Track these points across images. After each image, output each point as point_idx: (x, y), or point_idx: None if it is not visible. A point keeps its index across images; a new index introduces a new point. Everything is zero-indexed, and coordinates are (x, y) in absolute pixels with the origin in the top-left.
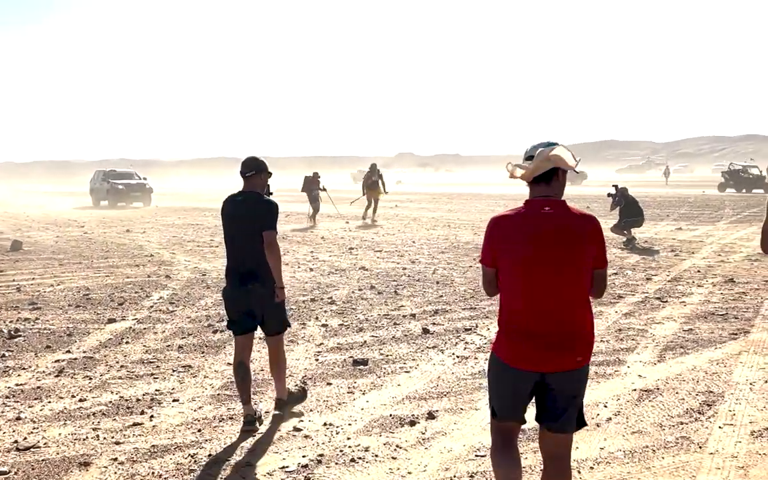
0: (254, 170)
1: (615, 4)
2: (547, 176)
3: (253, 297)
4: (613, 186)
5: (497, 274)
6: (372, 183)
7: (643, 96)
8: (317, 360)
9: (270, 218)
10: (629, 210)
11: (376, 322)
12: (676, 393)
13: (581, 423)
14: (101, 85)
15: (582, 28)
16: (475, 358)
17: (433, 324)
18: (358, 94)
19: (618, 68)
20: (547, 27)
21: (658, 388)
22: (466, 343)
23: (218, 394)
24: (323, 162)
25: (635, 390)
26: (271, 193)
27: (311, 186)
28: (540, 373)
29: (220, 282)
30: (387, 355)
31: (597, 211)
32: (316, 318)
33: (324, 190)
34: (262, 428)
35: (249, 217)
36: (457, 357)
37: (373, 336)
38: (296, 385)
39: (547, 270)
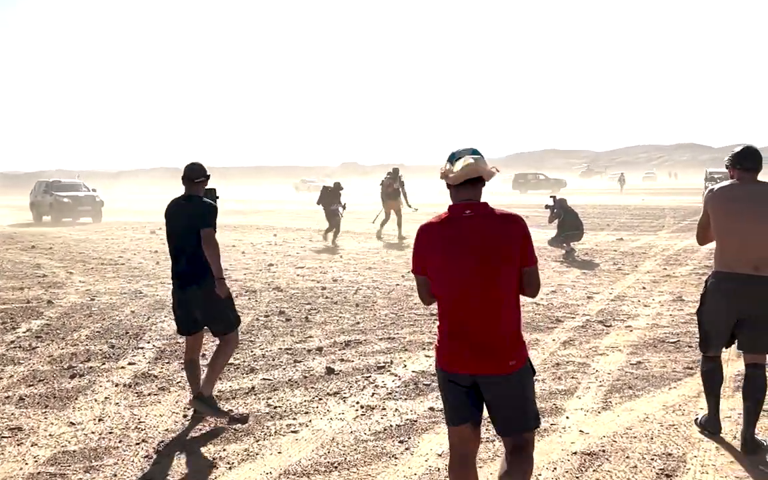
0: (203, 177)
1: (553, 16)
2: (474, 181)
3: (193, 300)
4: (550, 197)
5: (428, 281)
6: (392, 192)
7: (582, 105)
8: (186, 416)
9: (207, 217)
10: (568, 222)
11: (273, 360)
12: (627, 457)
13: (536, 422)
14: (33, 92)
15: (521, 39)
16: (383, 410)
17: (341, 360)
18: (302, 103)
19: (556, 78)
20: (486, 38)
21: (603, 450)
22: (376, 386)
23: (38, 473)
24: (266, 172)
25: (576, 453)
26: (218, 198)
27: (331, 199)
28: (472, 377)
29: (109, 308)
30: (275, 407)
31: (537, 222)
32: (203, 355)
33: (344, 207)
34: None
35: (188, 218)
36: (362, 408)
37: (265, 379)
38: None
39: (471, 273)
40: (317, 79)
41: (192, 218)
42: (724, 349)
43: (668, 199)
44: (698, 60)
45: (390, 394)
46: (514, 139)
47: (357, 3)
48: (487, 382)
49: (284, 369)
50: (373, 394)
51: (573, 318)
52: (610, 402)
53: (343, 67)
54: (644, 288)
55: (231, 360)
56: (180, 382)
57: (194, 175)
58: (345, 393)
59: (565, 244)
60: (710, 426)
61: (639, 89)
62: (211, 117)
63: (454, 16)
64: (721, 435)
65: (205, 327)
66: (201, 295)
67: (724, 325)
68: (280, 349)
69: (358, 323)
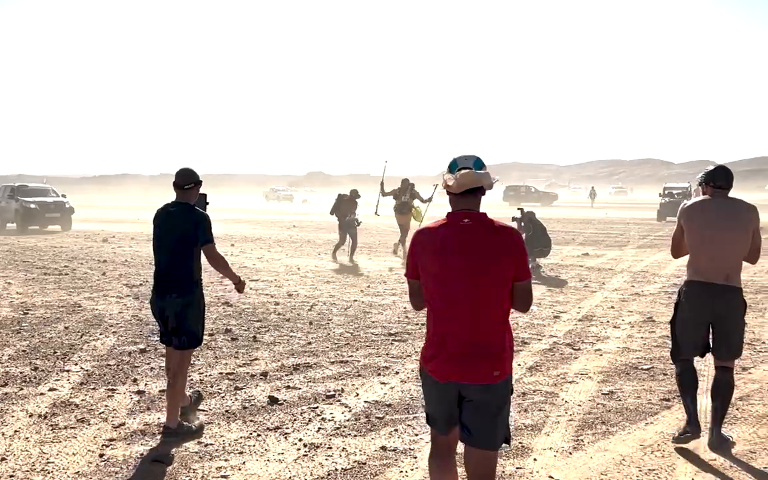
0: (193, 183)
1: (518, 33)
2: (474, 190)
3: (169, 309)
4: (518, 209)
5: (421, 286)
6: (401, 205)
7: (546, 120)
8: (102, 456)
9: (206, 232)
10: (538, 238)
11: (211, 386)
12: None
13: (506, 440)
14: None
15: (486, 55)
16: (328, 449)
17: (287, 388)
18: (268, 111)
19: (521, 91)
20: (451, 53)
21: None
22: (323, 420)
23: None
24: (232, 180)
25: None
26: (208, 203)
27: (347, 209)
28: (458, 385)
29: (41, 324)
30: (206, 445)
31: None
32: (134, 379)
33: (358, 222)
34: None
35: (181, 229)
36: (305, 446)
37: (199, 410)
38: (196, 421)
39: (463, 281)
40: (282, 87)
41: (186, 230)
42: (699, 358)
43: (632, 213)
44: (660, 79)
45: (338, 429)
46: (478, 152)
47: (323, 13)
48: (470, 390)
49: (222, 397)
50: (319, 429)
51: (539, 340)
52: (582, 440)
53: (308, 76)
54: (613, 307)
55: (162, 387)
56: (103, 412)
57: (183, 181)
58: (287, 427)
59: (530, 259)
60: (690, 428)
61: (602, 105)
62: (172, 124)
63: (420, 30)
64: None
65: None
66: (178, 306)
67: (696, 332)
68: (221, 373)
69: (309, 344)
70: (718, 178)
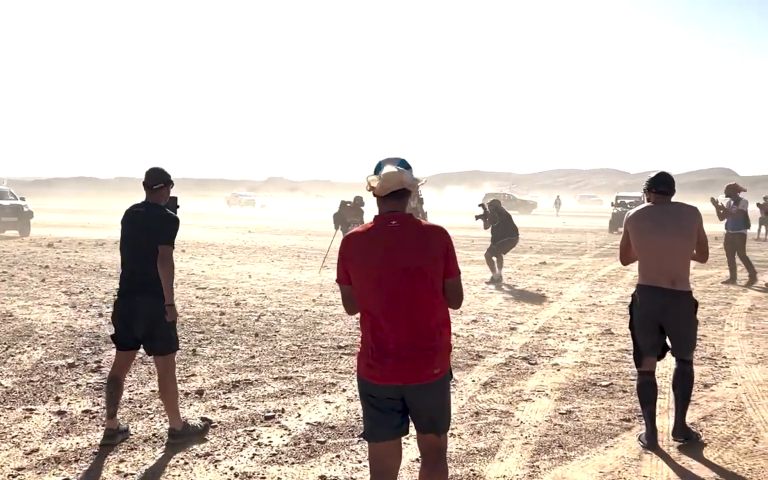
0: (162, 183)
1: (476, 41)
2: (399, 192)
3: (138, 313)
4: (479, 205)
5: (352, 291)
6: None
7: (504, 129)
8: None
9: (167, 232)
10: (504, 228)
11: (140, 406)
12: None
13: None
14: None
15: (446, 62)
16: (262, 478)
17: (223, 408)
18: (228, 116)
19: (479, 101)
20: (411, 58)
21: None
22: (259, 444)
23: None
24: (191, 184)
25: None
26: (178, 207)
27: (350, 217)
28: (399, 387)
29: None
30: (125, 476)
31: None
32: (57, 398)
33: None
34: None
35: (147, 229)
36: (236, 476)
37: (123, 433)
38: (197, 420)
39: (395, 283)
40: (241, 90)
41: (150, 230)
42: (658, 362)
43: (589, 222)
44: (617, 89)
45: (274, 455)
46: (439, 160)
47: (279, 17)
48: (411, 390)
49: (151, 419)
50: (253, 456)
51: (495, 353)
52: (538, 466)
53: (267, 80)
54: (570, 318)
55: (90, 402)
56: (16, 436)
57: (152, 181)
58: (219, 454)
59: (495, 258)
60: (647, 440)
61: (560, 114)
62: (130, 127)
63: (379, 37)
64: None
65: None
66: (147, 309)
67: (651, 334)
68: (153, 391)
69: (253, 358)
70: (660, 184)
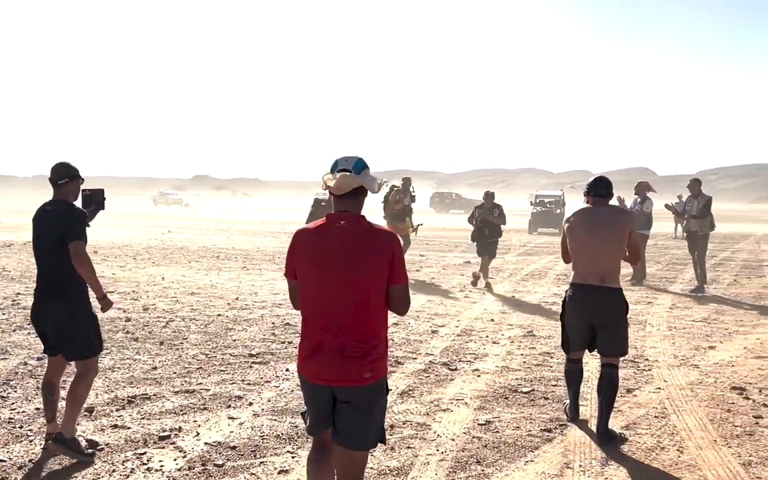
0: (67, 178)
1: (406, 42)
2: (354, 192)
3: (49, 317)
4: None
5: (297, 286)
6: (400, 212)
7: (431, 128)
8: None
9: (73, 228)
10: (488, 229)
11: (21, 427)
12: None
13: (380, 440)
14: None
15: (371, 58)
16: None
17: (114, 427)
18: (152, 112)
19: (407, 99)
20: (339, 57)
21: None
22: (149, 469)
23: None
24: (115, 182)
25: None
26: (104, 199)
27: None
28: (329, 387)
29: None
30: None
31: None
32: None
33: None
34: None
35: (54, 228)
36: None
37: None
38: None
39: (335, 283)
40: (166, 86)
41: (57, 227)
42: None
43: (514, 221)
44: (541, 91)
45: None
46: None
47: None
48: (340, 392)
49: (30, 441)
50: None
51: (414, 359)
52: None
53: (192, 74)
54: (493, 320)
55: None
56: None
57: (56, 177)
58: None
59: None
60: (571, 413)
61: (486, 115)
62: (54, 124)
63: (308, 33)
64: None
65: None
66: (59, 312)
67: (580, 329)
68: (39, 408)
69: (155, 369)
70: (598, 188)
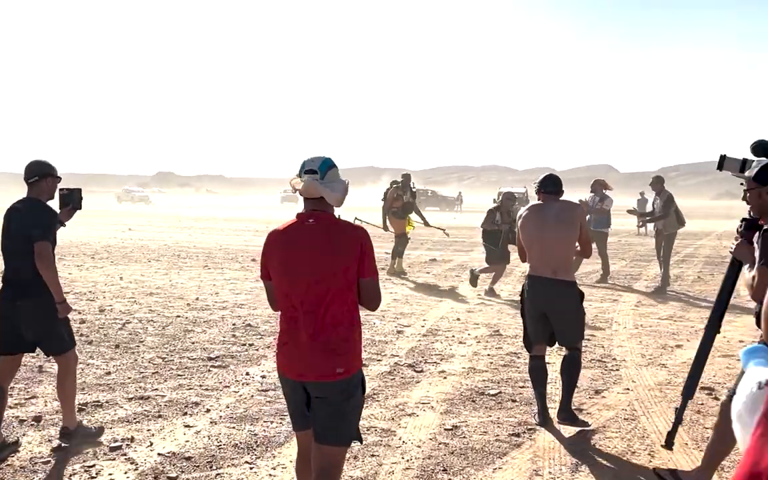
0: (36, 176)
1: (372, 33)
2: None
3: (23, 315)
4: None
5: (273, 287)
6: (399, 209)
7: (397, 125)
8: None
9: (40, 228)
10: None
11: None
12: None
13: (356, 438)
14: None
15: (340, 55)
16: None
17: (57, 439)
18: (115, 109)
19: (373, 95)
20: (304, 53)
21: None
22: None
23: None
24: (75, 180)
25: None
26: (82, 199)
27: None
28: (303, 383)
29: None
30: None
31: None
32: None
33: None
34: None
35: (22, 227)
36: None
37: None
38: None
39: (305, 281)
40: (129, 81)
41: (24, 226)
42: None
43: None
44: (506, 89)
45: None
46: (333, 154)
47: (168, 10)
48: (314, 388)
49: None
50: None
51: (380, 360)
52: None
53: (154, 70)
54: (459, 319)
55: None
56: None
57: (27, 175)
58: None
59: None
60: (539, 416)
61: (452, 112)
62: (10, 120)
63: (271, 30)
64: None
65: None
66: (32, 310)
67: (537, 321)
68: None
69: (108, 374)
70: (548, 185)
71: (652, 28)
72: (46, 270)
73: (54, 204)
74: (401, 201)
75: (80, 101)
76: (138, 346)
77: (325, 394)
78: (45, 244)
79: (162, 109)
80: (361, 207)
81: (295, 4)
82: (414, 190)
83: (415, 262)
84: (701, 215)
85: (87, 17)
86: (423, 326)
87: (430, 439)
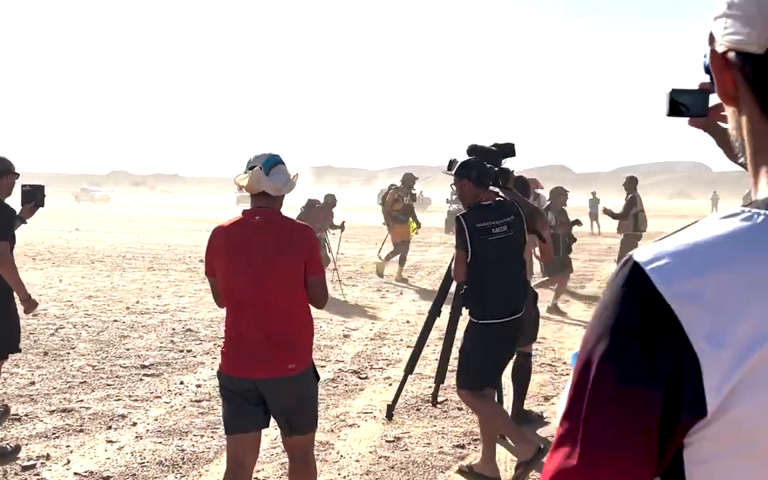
0: None
1: (331, 41)
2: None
3: None
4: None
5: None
6: (399, 213)
7: (358, 125)
8: None
9: None
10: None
11: None
12: None
13: (315, 425)
14: None
15: (298, 54)
16: None
17: None
18: (63, 106)
19: (336, 96)
20: (259, 52)
21: None
22: None
23: None
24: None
25: None
26: (44, 196)
27: (320, 218)
28: (254, 381)
29: None
30: None
31: None
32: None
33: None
34: None
35: None
36: None
37: None
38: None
39: (252, 278)
40: (78, 78)
41: None
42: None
43: (438, 218)
44: (461, 87)
45: None
46: (289, 155)
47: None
48: (266, 385)
49: None
50: None
51: (323, 366)
52: None
53: (106, 66)
54: (408, 322)
55: None
56: None
57: None
58: None
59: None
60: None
61: (407, 113)
62: None
63: (228, 29)
64: None
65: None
66: None
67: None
68: None
69: (32, 383)
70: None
71: (607, 28)
72: (5, 269)
73: (12, 201)
74: (401, 203)
75: (27, 97)
76: (68, 353)
77: (278, 391)
78: (3, 244)
79: (115, 106)
80: (354, 207)
81: (244, 3)
82: (414, 192)
83: (367, 263)
84: (658, 215)
85: (33, 11)
86: (371, 329)
87: (370, 452)
